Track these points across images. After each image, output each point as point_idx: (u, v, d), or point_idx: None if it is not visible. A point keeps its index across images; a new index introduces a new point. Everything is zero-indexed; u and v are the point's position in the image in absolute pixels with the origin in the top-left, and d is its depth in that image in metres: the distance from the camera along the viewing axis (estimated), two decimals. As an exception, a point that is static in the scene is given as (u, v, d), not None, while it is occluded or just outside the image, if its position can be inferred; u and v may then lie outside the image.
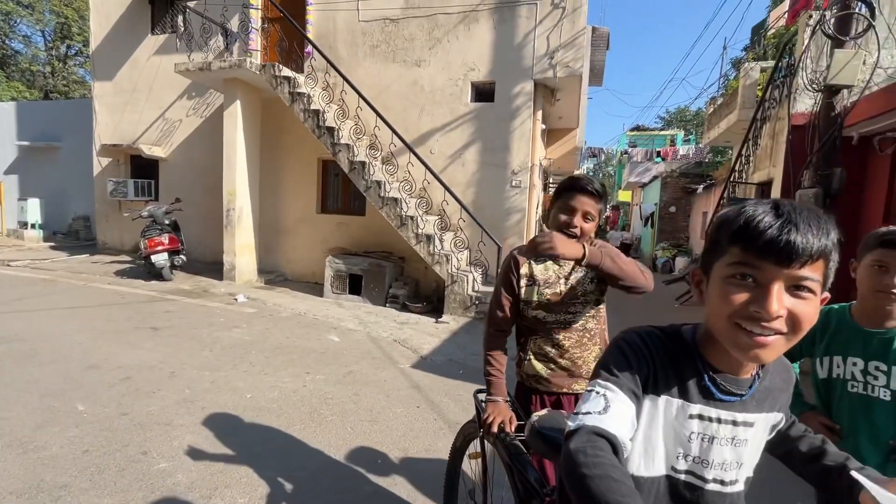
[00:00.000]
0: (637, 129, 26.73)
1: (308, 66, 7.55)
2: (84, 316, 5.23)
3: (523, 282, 1.61)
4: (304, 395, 3.49)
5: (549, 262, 1.62)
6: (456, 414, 3.35)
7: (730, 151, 11.15)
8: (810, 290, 0.69)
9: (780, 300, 0.68)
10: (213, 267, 8.01)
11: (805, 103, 5.43)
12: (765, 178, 6.70)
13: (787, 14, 7.79)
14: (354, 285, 6.98)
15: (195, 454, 2.62)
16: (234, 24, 7.83)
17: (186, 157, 8.92)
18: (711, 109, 10.11)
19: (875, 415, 1.29)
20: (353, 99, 6.90)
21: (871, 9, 4.39)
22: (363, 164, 6.58)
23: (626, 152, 18.42)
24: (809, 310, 0.70)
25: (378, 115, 6.59)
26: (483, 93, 7.17)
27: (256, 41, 7.90)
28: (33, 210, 11.16)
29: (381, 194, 6.51)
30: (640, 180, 19.40)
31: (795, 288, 0.69)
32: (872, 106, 4.65)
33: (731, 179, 7.75)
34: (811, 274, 0.68)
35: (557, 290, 1.60)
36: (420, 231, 6.39)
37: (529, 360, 1.65)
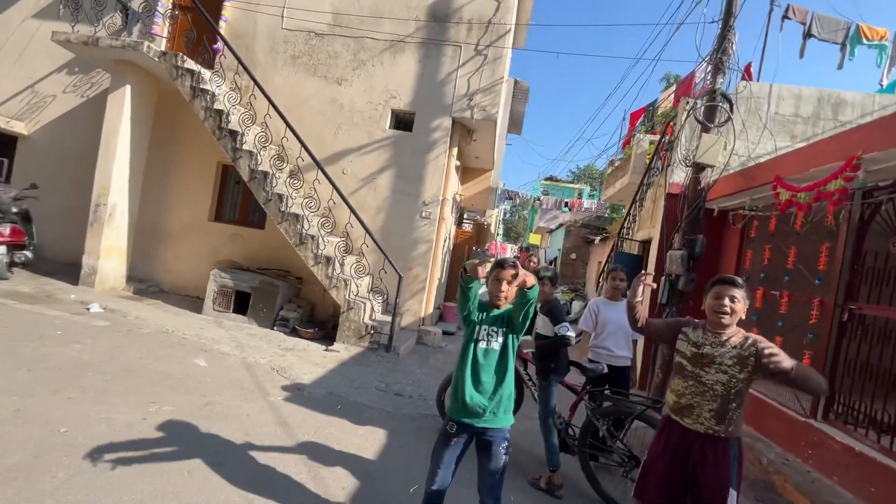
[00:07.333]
0: (550, 178, 28.92)
1: (217, 63, 7.02)
2: None
3: None
4: (140, 430, 2.96)
5: None
6: (320, 459, 3.03)
7: (623, 209, 12.39)
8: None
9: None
10: (70, 269, 6.81)
11: (679, 175, 6.18)
12: (646, 237, 7.45)
13: (672, 97, 9.00)
14: (241, 304, 6.35)
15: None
16: (136, 4, 7.07)
17: (55, 139, 7.69)
18: (610, 170, 11.20)
19: None
20: (263, 105, 6.50)
21: (731, 104, 5.18)
22: (265, 174, 6.15)
23: (538, 199, 19.70)
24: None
25: (287, 123, 6.28)
26: (402, 121, 7.20)
27: (162, 27, 7.19)
28: None
29: (282, 208, 6.10)
30: (548, 226, 20.78)
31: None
32: (728, 185, 5.41)
33: (620, 235, 8.54)
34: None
35: None
36: (320, 252, 6.06)
37: None
